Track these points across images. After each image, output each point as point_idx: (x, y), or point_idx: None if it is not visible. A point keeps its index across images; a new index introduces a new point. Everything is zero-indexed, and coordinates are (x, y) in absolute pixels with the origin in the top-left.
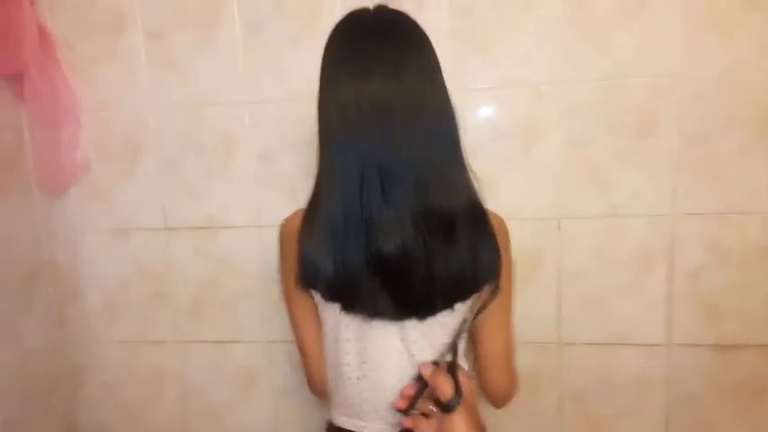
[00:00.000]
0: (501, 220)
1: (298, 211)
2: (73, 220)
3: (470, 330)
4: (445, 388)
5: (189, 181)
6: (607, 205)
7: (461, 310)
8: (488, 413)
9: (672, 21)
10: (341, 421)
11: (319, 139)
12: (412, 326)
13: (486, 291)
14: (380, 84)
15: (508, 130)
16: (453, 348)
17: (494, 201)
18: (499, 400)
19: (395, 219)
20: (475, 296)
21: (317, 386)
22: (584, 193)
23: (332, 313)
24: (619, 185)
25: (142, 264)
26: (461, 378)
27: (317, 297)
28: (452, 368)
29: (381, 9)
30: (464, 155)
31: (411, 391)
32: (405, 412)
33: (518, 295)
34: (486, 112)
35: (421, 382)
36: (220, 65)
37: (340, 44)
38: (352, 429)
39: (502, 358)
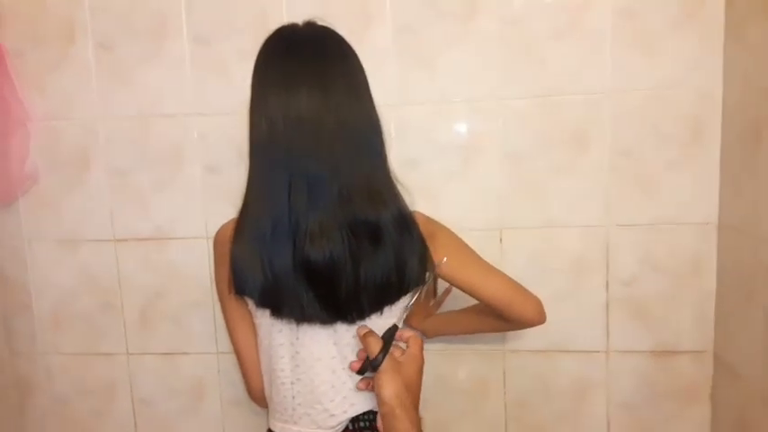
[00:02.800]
0: (424, 216)
1: (232, 220)
2: (21, 230)
3: (473, 294)
4: (372, 347)
5: (137, 192)
6: (545, 217)
7: (392, 311)
8: (435, 421)
9: (601, 40)
10: (277, 428)
11: (250, 150)
12: (344, 329)
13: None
14: (306, 98)
15: (449, 143)
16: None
17: (437, 213)
18: (537, 319)
19: (321, 227)
20: (405, 297)
21: (256, 392)
22: (523, 205)
23: (265, 319)
24: (555, 198)
25: (90, 275)
26: (409, 341)
27: (251, 303)
28: (390, 331)
29: (310, 25)
30: (389, 165)
31: (364, 353)
32: (359, 373)
33: (457, 307)
34: (427, 126)
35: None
36: (169, 77)
37: (269, 60)
38: None
39: (513, 292)
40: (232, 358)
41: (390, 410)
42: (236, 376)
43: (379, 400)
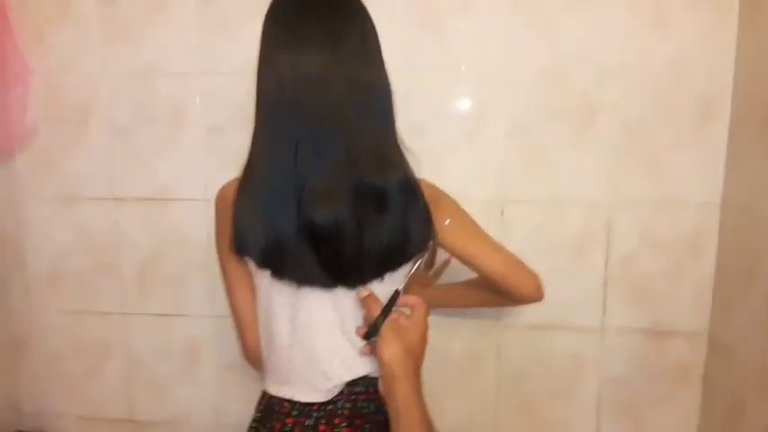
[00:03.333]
0: (430, 184)
1: (234, 179)
2: (18, 187)
3: (471, 266)
4: (372, 310)
5: (138, 151)
6: (548, 191)
7: (392, 278)
8: (428, 392)
9: (615, 12)
10: (272, 389)
11: (256, 107)
12: (343, 294)
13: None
14: (317, 56)
15: (454, 112)
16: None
17: (439, 183)
18: (535, 296)
19: (327, 189)
20: (407, 265)
21: (251, 354)
22: (526, 179)
23: (265, 280)
24: (559, 172)
25: (88, 233)
26: (414, 307)
27: (251, 264)
28: (393, 296)
29: None
30: (397, 129)
31: (371, 320)
32: (365, 338)
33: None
34: (432, 93)
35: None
36: (173, 34)
37: (280, 15)
38: (283, 396)
39: (512, 267)
40: (228, 322)
41: (390, 373)
42: (231, 340)
43: (380, 362)
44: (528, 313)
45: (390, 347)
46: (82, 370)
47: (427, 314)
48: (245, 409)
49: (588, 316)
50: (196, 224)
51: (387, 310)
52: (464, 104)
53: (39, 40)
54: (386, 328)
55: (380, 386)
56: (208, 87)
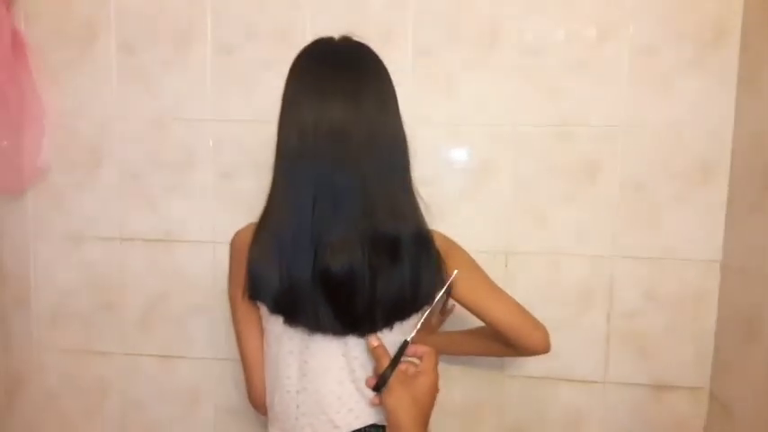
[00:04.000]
0: (442, 235)
1: (250, 225)
2: (27, 225)
3: (479, 316)
4: (382, 360)
5: (148, 193)
6: (551, 244)
7: (401, 328)
8: None
9: (618, 75)
10: None
11: (276, 156)
12: (354, 342)
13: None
14: (340, 109)
15: (462, 166)
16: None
17: (445, 232)
18: (542, 348)
19: (344, 239)
20: (416, 315)
21: (257, 399)
22: (530, 231)
23: (276, 326)
24: (563, 226)
25: (93, 273)
26: (423, 357)
27: (263, 309)
28: (402, 346)
29: (346, 40)
30: (412, 180)
31: (380, 371)
32: (375, 389)
33: (461, 326)
34: (442, 147)
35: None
36: (189, 83)
37: (305, 68)
38: None
39: (520, 318)
40: (230, 365)
41: (396, 423)
42: (232, 384)
43: (386, 411)
44: (530, 364)
45: (397, 397)
46: (78, 409)
47: (436, 363)
48: None
49: (590, 369)
50: (202, 266)
51: (395, 360)
52: (470, 159)
53: (58, 83)
54: (393, 379)
55: None
56: (220, 134)
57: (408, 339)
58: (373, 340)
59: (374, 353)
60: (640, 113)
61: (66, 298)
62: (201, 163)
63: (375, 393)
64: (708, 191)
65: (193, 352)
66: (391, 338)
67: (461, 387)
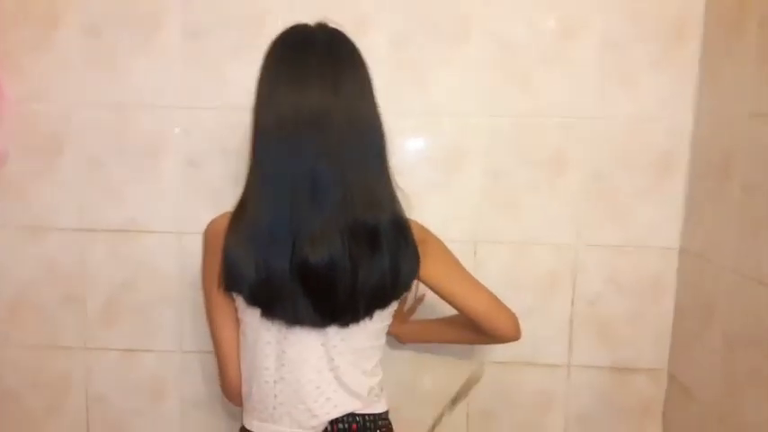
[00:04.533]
0: (418, 224)
1: (225, 214)
2: None
3: (452, 304)
4: None
5: (111, 182)
6: (519, 233)
7: (381, 316)
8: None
9: (585, 70)
10: (254, 426)
11: (253, 145)
12: (333, 332)
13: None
14: (318, 96)
15: (433, 156)
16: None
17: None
18: (512, 335)
19: (323, 230)
20: (395, 302)
21: (232, 390)
22: (499, 221)
23: (253, 317)
24: (530, 215)
25: (54, 265)
26: None
27: (239, 300)
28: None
29: (322, 26)
30: (390, 169)
31: None
32: None
33: (432, 315)
34: (414, 137)
35: None
36: (157, 68)
37: (281, 55)
38: None
39: (492, 308)
40: (197, 358)
41: None
42: (199, 376)
43: None
44: (497, 350)
45: None
46: (40, 406)
47: None
48: None
49: (555, 353)
50: (167, 257)
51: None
52: (441, 149)
53: (15, 66)
54: None
55: None
56: (187, 121)
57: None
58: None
59: None
60: (606, 106)
61: (26, 291)
62: (167, 151)
63: None
64: (668, 182)
65: (159, 345)
66: (372, 327)
67: (432, 375)
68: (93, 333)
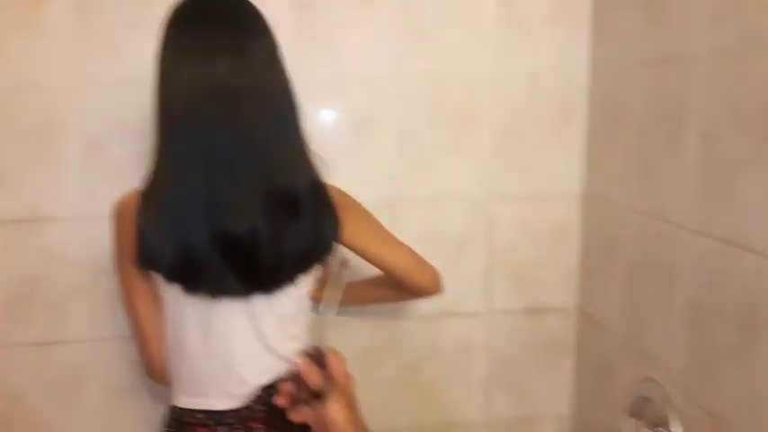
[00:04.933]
0: (336, 188)
1: (132, 192)
2: None
3: (375, 263)
4: (313, 377)
5: (5, 169)
6: (434, 191)
7: (305, 281)
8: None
9: (485, 28)
10: (183, 402)
11: (159, 122)
12: (258, 300)
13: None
14: (226, 68)
15: (345, 120)
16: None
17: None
18: (435, 289)
19: (242, 201)
20: (318, 267)
21: (157, 370)
22: (414, 181)
23: (174, 294)
24: (443, 174)
25: None
26: (333, 364)
27: (158, 278)
28: (319, 355)
29: None
30: (305, 135)
31: (290, 386)
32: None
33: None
34: (325, 103)
35: (295, 376)
36: (47, 47)
37: (182, 25)
38: (195, 407)
39: (413, 264)
40: (116, 344)
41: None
42: (121, 363)
43: (335, 429)
44: (421, 305)
45: (344, 412)
46: None
47: (344, 363)
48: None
49: (474, 302)
50: (75, 244)
51: (324, 372)
52: (353, 113)
53: None
54: (331, 393)
55: None
56: (84, 101)
57: (323, 350)
58: (301, 362)
59: (305, 371)
60: (507, 63)
61: None
62: (65, 133)
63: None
64: (569, 131)
65: (73, 335)
66: (296, 292)
67: (359, 336)
68: (2, 330)
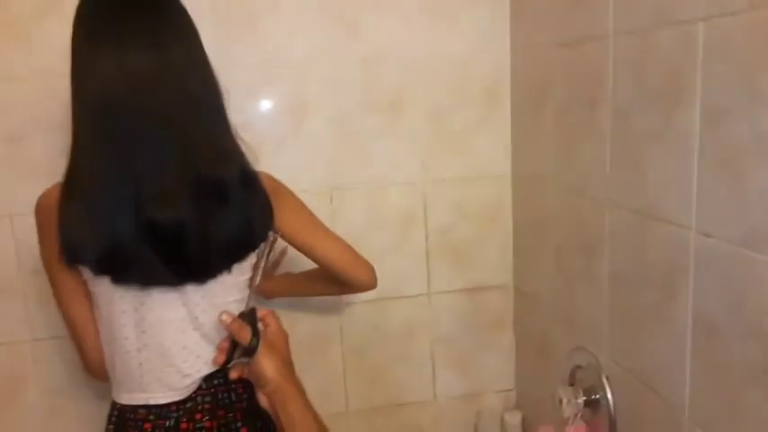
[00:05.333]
0: (268, 175)
1: (55, 186)
2: None
3: (310, 257)
4: (243, 333)
5: None
6: (370, 176)
7: (240, 269)
8: None
9: (410, 11)
10: (124, 398)
11: (76, 111)
12: (192, 290)
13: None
14: (143, 54)
15: (277, 107)
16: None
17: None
18: (370, 284)
19: (166, 188)
20: (252, 254)
21: (95, 367)
22: (350, 166)
23: (104, 287)
24: (378, 158)
25: None
26: (264, 319)
27: (86, 272)
28: (252, 314)
29: None
30: (230, 122)
31: (226, 344)
32: (225, 365)
33: (295, 268)
34: (254, 90)
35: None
36: None
37: (94, 14)
38: (136, 403)
39: (348, 257)
40: (51, 344)
41: (278, 386)
42: (57, 362)
43: (263, 381)
44: None
45: (272, 363)
46: None
47: (280, 321)
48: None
49: (416, 284)
50: (0, 244)
51: (254, 329)
52: (284, 100)
53: None
54: (261, 347)
55: (261, 401)
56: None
57: (255, 306)
58: (225, 317)
59: (230, 328)
60: (433, 48)
61: None
62: None
63: (229, 366)
64: (496, 113)
65: (6, 337)
66: (232, 281)
67: (304, 321)
68: None
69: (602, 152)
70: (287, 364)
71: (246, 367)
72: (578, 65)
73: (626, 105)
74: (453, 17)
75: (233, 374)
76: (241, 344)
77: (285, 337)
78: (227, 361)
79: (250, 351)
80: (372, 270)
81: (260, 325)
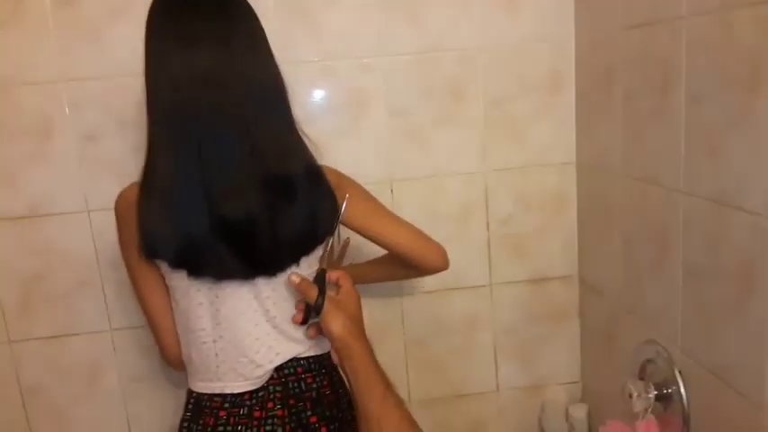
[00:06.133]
0: (332, 169)
1: (132, 184)
2: None
3: (380, 243)
4: (310, 293)
5: (4, 167)
6: (430, 166)
7: (308, 262)
8: None
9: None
10: (199, 387)
11: (150, 111)
12: (263, 283)
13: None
14: (209, 53)
15: (337, 100)
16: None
17: None
18: (442, 265)
19: (235, 184)
20: (319, 247)
21: (173, 357)
22: (410, 157)
23: (181, 281)
24: (438, 148)
25: None
26: (340, 280)
27: (164, 266)
28: (321, 275)
29: None
30: (295, 119)
31: (302, 305)
32: (303, 323)
33: (357, 258)
34: (314, 84)
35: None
36: (31, 41)
37: (165, 15)
38: (212, 392)
39: (419, 241)
40: (129, 334)
41: (344, 344)
42: (134, 352)
43: (331, 337)
44: (424, 281)
45: (338, 320)
46: None
47: (353, 282)
48: (160, 418)
49: (477, 275)
50: (79, 238)
51: (322, 289)
52: (343, 93)
53: None
54: (327, 305)
55: (334, 357)
56: (74, 95)
57: (325, 267)
58: (294, 277)
59: (299, 288)
60: (493, 34)
61: None
62: (60, 128)
63: (307, 326)
64: (559, 99)
65: (86, 327)
66: (301, 273)
67: (366, 313)
68: (13, 327)
69: (675, 139)
70: (356, 323)
71: (320, 327)
72: (648, 48)
73: (700, 90)
74: (513, 2)
75: (311, 333)
76: (309, 303)
77: (357, 297)
78: (305, 320)
79: (317, 309)
80: (443, 251)
81: (331, 285)
